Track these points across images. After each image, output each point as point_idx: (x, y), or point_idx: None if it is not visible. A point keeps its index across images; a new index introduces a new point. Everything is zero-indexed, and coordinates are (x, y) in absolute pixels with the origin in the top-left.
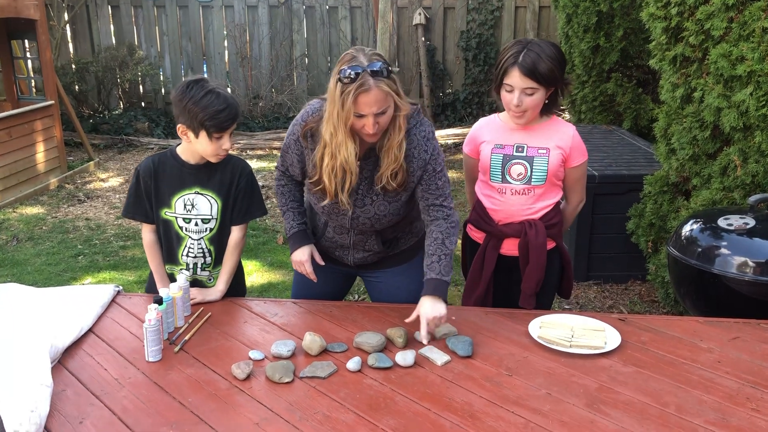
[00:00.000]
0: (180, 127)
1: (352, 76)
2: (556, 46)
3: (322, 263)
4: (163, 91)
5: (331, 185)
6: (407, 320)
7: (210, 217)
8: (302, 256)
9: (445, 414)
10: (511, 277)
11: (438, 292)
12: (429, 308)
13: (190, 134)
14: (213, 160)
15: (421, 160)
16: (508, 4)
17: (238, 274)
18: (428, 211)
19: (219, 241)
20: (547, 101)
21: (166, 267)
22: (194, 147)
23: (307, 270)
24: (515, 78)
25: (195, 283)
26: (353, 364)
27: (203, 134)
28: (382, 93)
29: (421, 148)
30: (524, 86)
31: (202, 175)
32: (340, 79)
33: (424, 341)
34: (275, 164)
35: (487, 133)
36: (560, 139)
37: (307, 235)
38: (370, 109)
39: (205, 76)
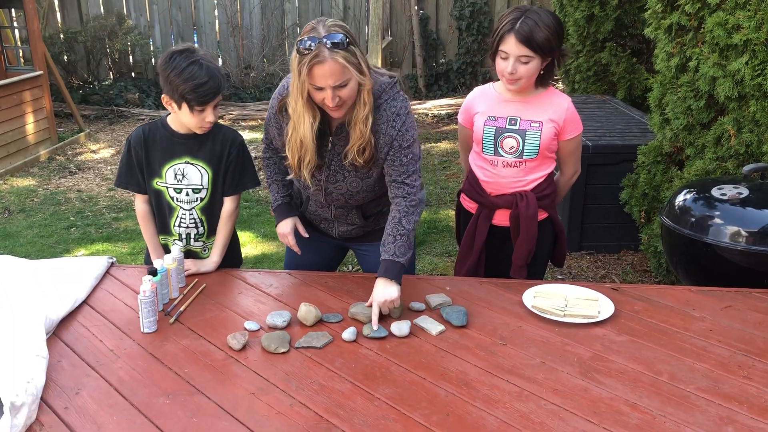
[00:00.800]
0: (164, 97)
1: (309, 47)
2: (554, 15)
3: (306, 235)
4: (153, 61)
5: (294, 160)
6: (366, 305)
7: (201, 187)
8: (285, 229)
9: (440, 383)
10: (504, 247)
11: (390, 274)
12: (381, 292)
13: (174, 105)
14: (198, 131)
15: (388, 136)
16: None
17: (234, 244)
18: (391, 187)
19: (211, 211)
20: (542, 72)
21: (160, 238)
22: (179, 118)
23: (290, 242)
24: (511, 45)
25: (189, 254)
26: (348, 334)
27: (185, 107)
28: (337, 65)
29: (389, 124)
30: (519, 54)
31: (193, 144)
32: (298, 50)
33: (374, 327)
34: None
35: (481, 104)
36: (554, 112)
37: (291, 208)
38: (326, 82)
39: (194, 44)
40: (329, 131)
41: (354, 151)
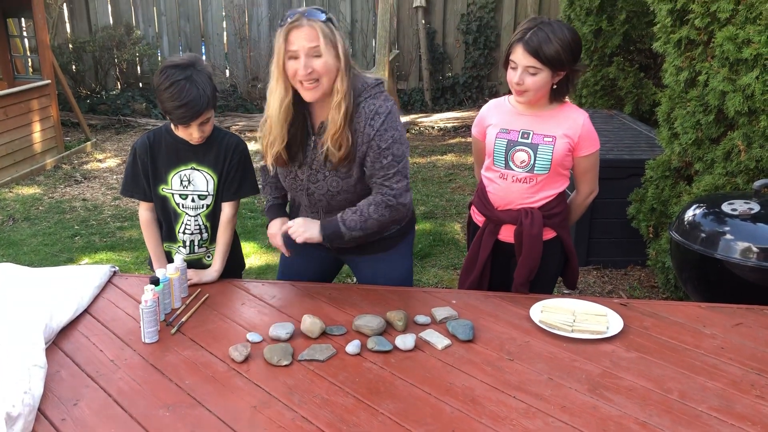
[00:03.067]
0: (159, 106)
1: (289, 18)
2: (572, 30)
3: (288, 253)
4: (153, 79)
5: (265, 142)
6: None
7: (206, 193)
8: (273, 229)
9: (446, 398)
10: (509, 264)
11: (327, 226)
12: (304, 222)
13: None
14: (191, 143)
15: (366, 134)
16: None
17: (236, 248)
18: (373, 187)
19: (215, 218)
20: (555, 86)
21: (164, 245)
22: None
23: (278, 243)
24: (519, 55)
25: (191, 261)
26: (352, 347)
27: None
28: (314, 31)
29: (367, 122)
30: (526, 64)
31: (199, 150)
32: (280, 25)
33: (278, 241)
34: None
35: (494, 116)
36: (569, 128)
37: (281, 209)
38: (300, 43)
39: (197, 55)
40: (312, 131)
41: (329, 141)
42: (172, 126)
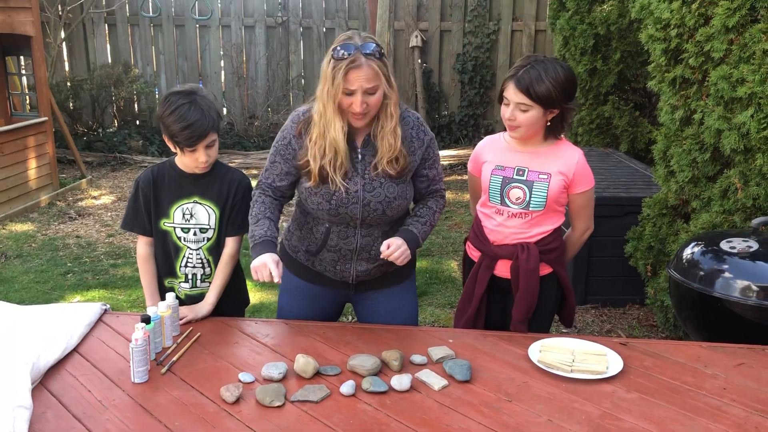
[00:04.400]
0: (164, 136)
1: (345, 53)
2: (566, 69)
3: (278, 280)
4: (158, 109)
5: (316, 164)
6: (383, 247)
7: (208, 226)
8: (266, 258)
9: None
10: (506, 300)
11: (411, 244)
12: (402, 244)
13: (170, 144)
14: (197, 171)
15: (421, 140)
16: (505, 27)
17: (240, 283)
18: (428, 191)
19: (217, 252)
20: (549, 123)
21: (167, 281)
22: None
23: (273, 267)
24: (510, 92)
25: (196, 297)
26: (347, 387)
27: (177, 147)
28: (372, 71)
29: (420, 129)
30: (518, 101)
31: (202, 184)
32: (333, 57)
33: (383, 249)
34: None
35: (490, 153)
36: (563, 165)
37: (275, 246)
38: (359, 83)
39: (196, 86)
40: (356, 145)
41: (384, 162)
42: (178, 155)
